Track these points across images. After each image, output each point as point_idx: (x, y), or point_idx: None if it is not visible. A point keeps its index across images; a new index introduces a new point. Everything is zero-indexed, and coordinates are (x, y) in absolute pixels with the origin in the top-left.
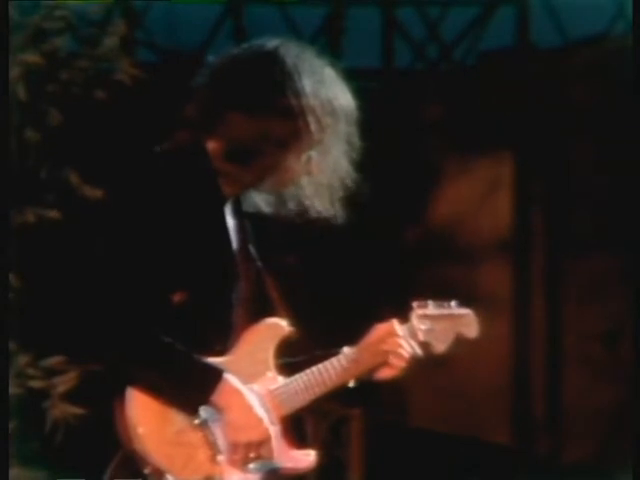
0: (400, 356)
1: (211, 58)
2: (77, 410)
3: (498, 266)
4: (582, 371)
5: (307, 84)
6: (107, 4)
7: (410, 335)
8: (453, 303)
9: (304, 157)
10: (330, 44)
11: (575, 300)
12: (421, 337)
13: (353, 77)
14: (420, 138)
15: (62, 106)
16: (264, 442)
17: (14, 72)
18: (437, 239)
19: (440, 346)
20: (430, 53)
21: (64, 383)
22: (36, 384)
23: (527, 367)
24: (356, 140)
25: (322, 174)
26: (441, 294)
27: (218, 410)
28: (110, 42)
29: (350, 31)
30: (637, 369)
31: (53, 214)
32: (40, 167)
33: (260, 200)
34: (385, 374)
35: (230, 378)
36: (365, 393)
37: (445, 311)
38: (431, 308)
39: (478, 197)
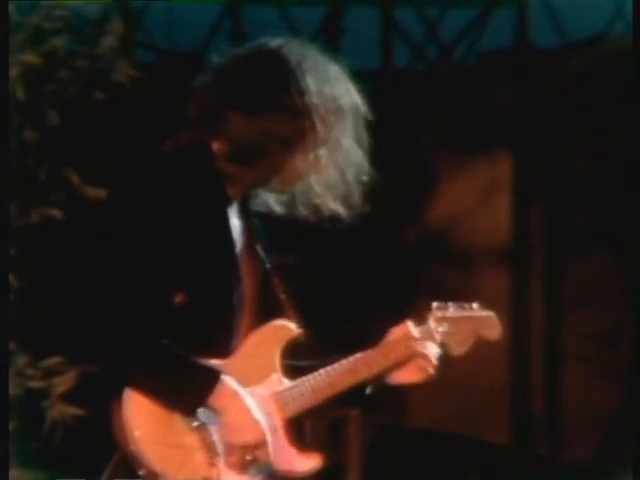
0: (427, 358)
1: (214, 58)
2: (76, 410)
3: (497, 266)
4: (582, 371)
5: (311, 82)
6: (106, 4)
7: (427, 337)
8: (475, 305)
9: (311, 156)
10: (329, 44)
11: (575, 300)
12: (438, 339)
13: (352, 78)
14: (419, 139)
15: (61, 106)
16: (260, 445)
17: (13, 72)
18: (436, 240)
19: (459, 349)
20: (429, 54)
21: (63, 383)
22: (35, 384)
23: (527, 367)
24: (364, 136)
25: (331, 172)
26: (440, 294)
27: (215, 412)
28: (108, 42)
29: (349, 32)
30: (637, 369)
31: (56, 213)
32: (40, 167)
33: (272, 200)
34: (412, 378)
35: (228, 380)
36: (363, 393)
37: (466, 313)
38: (451, 310)
39: (477, 197)
